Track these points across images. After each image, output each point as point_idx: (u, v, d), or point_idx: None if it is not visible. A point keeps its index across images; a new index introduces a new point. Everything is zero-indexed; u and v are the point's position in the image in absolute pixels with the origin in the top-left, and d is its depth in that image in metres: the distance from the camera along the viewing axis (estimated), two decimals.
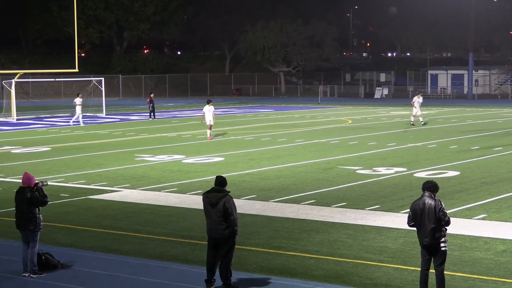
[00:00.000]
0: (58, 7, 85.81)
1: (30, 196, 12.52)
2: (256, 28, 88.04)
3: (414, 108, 41.65)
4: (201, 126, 39.31)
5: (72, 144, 33.29)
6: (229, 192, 11.65)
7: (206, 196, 11.62)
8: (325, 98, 78.20)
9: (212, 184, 11.95)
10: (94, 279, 12.41)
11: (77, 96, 45.57)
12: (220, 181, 11.68)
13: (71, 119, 46.12)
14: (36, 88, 72.45)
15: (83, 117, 45.78)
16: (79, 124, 43.76)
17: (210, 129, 34.39)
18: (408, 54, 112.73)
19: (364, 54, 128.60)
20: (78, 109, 44.31)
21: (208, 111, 34.07)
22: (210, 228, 11.61)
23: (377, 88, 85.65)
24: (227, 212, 11.38)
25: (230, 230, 11.46)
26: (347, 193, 19.75)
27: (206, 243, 14.25)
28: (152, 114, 48.41)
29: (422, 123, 41.28)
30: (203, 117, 34.78)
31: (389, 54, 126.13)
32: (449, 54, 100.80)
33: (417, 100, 41.74)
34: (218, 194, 11.51)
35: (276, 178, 22.55)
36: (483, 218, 16.47)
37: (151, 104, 48.15)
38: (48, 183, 13.40)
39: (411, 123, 41.29)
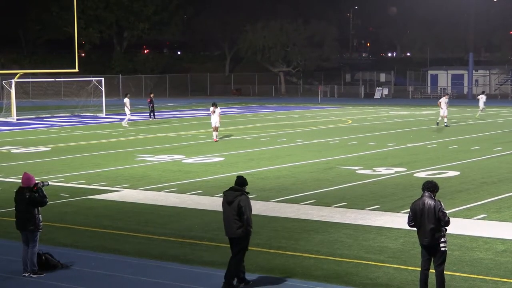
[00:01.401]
0: (58, 7, 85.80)
1: (28, 197, 12.50)
2: (256, 28, 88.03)
3: (441, 109, 40.63)
4: (202, 126, 39.39)
5: (72, 144, 33.28)
6: (248, 192, 11.76)
7: (224, 194, 11.80)
8: (325, 98, 78.20)
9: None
10: (94, 279, 12.41)
11: (125, 96, 44.95)
12: (240, 182, 11.81)
13: (123, 119, 45.24)
14: (36, 88, 72.46)
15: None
16: (125, 124, 42.71)
17: (216, 131, 33.47)
18: (408, 54, 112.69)
19: (364, 54, 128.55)
20: (127, 110, 43.83)
21: (214, 113, 33.17)
22: (225, 226, 11.74)
23: (377, 88, 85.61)
24: (241, 211, 11.48)
25: (243, 230, 11.53)
26: (347, 193, 19.75)
27: (206, 243, 14.27)
28: (152, 114, 48.40)
29: (446, 124, 40.19)
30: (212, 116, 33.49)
31: (389, 54, 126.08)
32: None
33: (444, 100, 40.73)
34: (235, 192, 11.65)
35: (276, 178, 22.54)
36: (483, 218, 16.47)
37: (151, 104, 48.12)
38: (49, 183, 13.40)
39: (445, 124, 40.22)
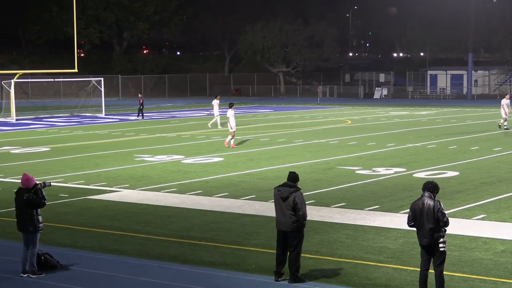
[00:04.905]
0: (58, 7, 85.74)
1: (26, 198, 12.49)
2: (255, 28, 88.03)
3: (503, 110, 38.17)
4: (201, 126, 39.36)
5: (71, 144, 33.29)
6: (300, 189, 12.09)
7: (278, 189, 12.14)
8: (324, 98, 78.22)
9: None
10: (93, 279, 12.42)
11: (215, 98, 43.85)
12: (293, 177, 12.22)
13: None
14: (36, 88, 72.42)
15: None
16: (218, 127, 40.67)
17: (234, 136, 30.86)
18: (407, 54, 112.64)
19: (362, 53, 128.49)
20: (216, 111, 41.87)
21: (232, 115, 30.71)
22: (280, 221, 12.05)
23: (376, 88, 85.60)
24: (296, 207, 11.85)
25: (297, 224, 11.90)
26: (346, 194, 19.76)
27: (206, 243, 14.27)
28: (140, 114, 49.12)
29: (506, 127, 37.88)
30: (228, 121, 30.87)
31: (393, 54, 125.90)
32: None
33: (506, 102, 38.15)
34: (289, 188, 12.03)
35: (275, 178, 22.50)
36: (482, 219, 16.48)
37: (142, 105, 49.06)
38: (51, 184, 13.37)
39: (505, 127, 37.79)
